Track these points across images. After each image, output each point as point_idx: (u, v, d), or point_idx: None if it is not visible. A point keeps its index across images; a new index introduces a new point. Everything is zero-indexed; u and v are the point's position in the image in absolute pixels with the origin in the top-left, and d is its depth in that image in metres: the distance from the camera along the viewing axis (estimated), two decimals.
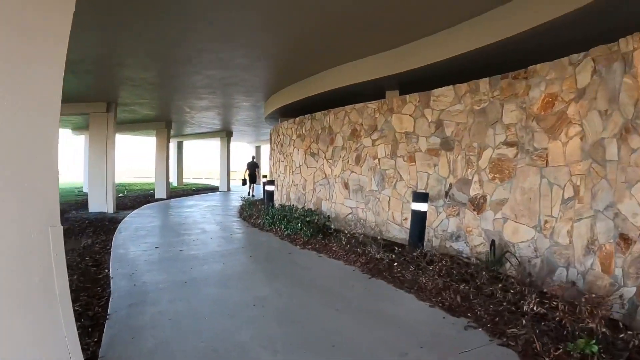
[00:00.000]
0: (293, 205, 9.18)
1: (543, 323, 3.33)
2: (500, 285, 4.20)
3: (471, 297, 4.03)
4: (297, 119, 9.87)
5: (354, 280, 4.85)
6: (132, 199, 14.66)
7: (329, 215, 7.92)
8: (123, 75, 8.37)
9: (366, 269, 5.24)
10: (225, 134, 20.38)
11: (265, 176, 16.10)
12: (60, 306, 2.30)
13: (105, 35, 5.95)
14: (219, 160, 21.66)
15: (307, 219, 7.38)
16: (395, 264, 5.24)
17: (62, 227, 2.34)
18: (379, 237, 6.66)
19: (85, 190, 16.26)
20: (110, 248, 6.49)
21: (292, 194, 10.11)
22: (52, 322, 2.24)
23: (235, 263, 5.60)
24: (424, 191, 6.11)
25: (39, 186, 2.16)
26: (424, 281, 4.56)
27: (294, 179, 10.00)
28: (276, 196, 10.96)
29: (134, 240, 7.06)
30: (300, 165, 9.65)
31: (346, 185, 7.95)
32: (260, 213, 9.17)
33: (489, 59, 5.61)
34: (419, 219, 5.74)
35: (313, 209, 8.48)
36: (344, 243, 6.27)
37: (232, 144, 21.74)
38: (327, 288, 4.55)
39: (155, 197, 15.88)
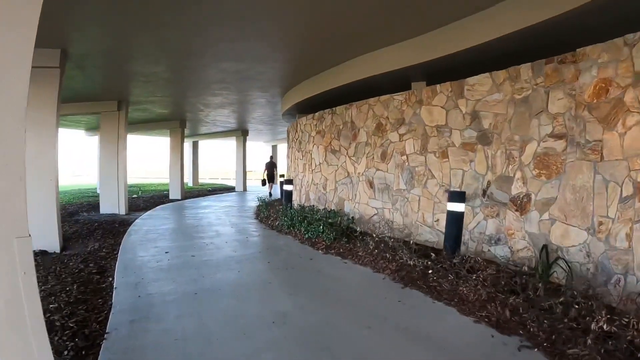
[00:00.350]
0: (313, 205, 8.67)
1: (610, 342, 2.85)
2: (557, 297, 3.64)
3: (521, 311, 3.52)
4: (317, 114, 9.36)
5: (386, 291, 4.32)
6: (145, 200, 14.43)
7: (352, 217, 7.37)
8: (132, 70, 7.99)
9: (398, 277, 4.73)
10: (241, 133, 20.14)
11: (282, 175, 15.80)
12: (32, 336, 1.85)
13: (113, 25, 5.54)
14: (234, 160, 21.40)
15: (330, 220, 6.85)
16: (430, 271, 4.72)
17: (30, 237, 1.85)
18: (408, 241, 6.09)
19: (98, 191, 16.02)
20: (117, 253, 6.08)
21: (311, 193, 9.60)
22: (22, 357, 1.78)
23: (252, 271, 5.10)
24: (460, 190, 5.57)
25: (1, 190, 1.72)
26: (465, 292, 4.08)
27: (313, 177, 9.49)
28: (294, 196, 10.47)
29: (144, 244, 6.64)
30: (320, 163, 9.14)
31: (371, 184, 7.40)
32: (278, 214, 8.69)
33: (528, 43, 5.08)
34: (456, 220, 5.21)
35: (335, 210, 7.95)
36: (371, 248, 5.72)
37: (248, 144, 21.49)
38: (355, 301, 4.03)
39: (170, 197, 15.67)
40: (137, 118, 14.96)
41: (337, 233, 6.48)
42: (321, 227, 6.65)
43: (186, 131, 18.45)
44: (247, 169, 21.59)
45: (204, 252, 6.11)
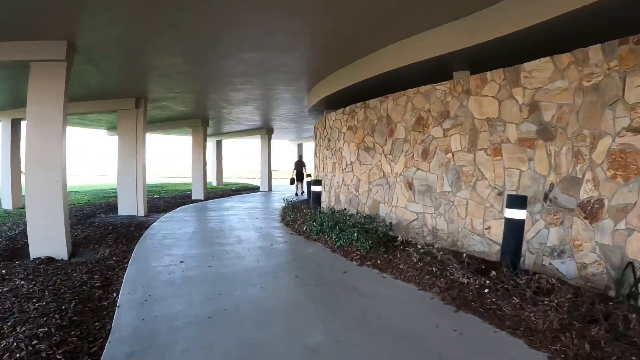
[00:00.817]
0: (345, 209, 7.95)
1: None
2: None
3: (603, 345, 2.87)
4: (347, 108, 8.65)
5: (436, 316, 3.60)
6: (166, 200, 14.05)
7: (390, 223, 6.62)
8: (147, 63, 7.47)
9: (448, 298, 4.00)
10: (266, 131, 19.67)
11: (309, 175, 15.30)
12: None
13: (121, 12, 4.97)
14: (259, 159, 20.98)
15: (366, 226, 6.12)
16: (487, 290, 3.97)
17: None
18: (458, 251, 5.32)
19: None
20: (128, 261, 5.54)
21: (342, 195, 8.88)
22: None
23: (277, 287, 4.42)
24: (518, 193, 4.82)
25: None
26: (532, 318, 3.36)
27: (344, 178, 8.78)
28: (323, 197, 9.78)
29: (158, 252, 6.07)
30: (352, 162, 8.42)
31: (410, 186, 6.64)
32: (306, 218, 8.02)
33: (592, 23, 4.32)
34: (515, 230, 4.45)
35: (370, 215, 7.20)
36: (414, 260, 4.96)
37: (273, 142, 21.05)
38: (402, 329, 3.31)
39: (192, 198, 15.25)
40: (158, 116, 14.61)
41: (373, 241, 5.76)
42: (355, 234, 5.94)
43: (209, 130, 18.28)
44: (273, 168, 21.11)
45: (223, 261, 5.48)
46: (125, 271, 5.04)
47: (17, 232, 7.45)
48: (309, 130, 20.60)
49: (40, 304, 3.85)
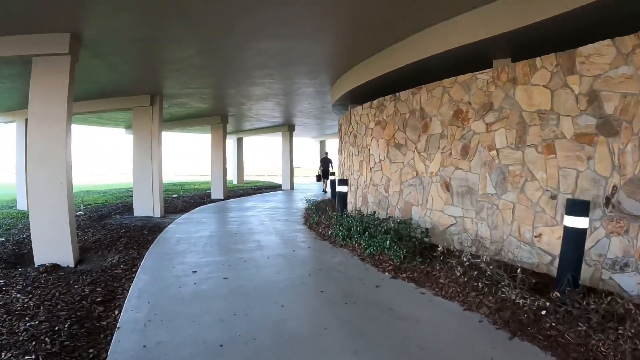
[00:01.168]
0: (374, 212, 7.34)
1: None
2: None
3: None
4: (375, 102, 8.04)
5: (489, 345, 3.04)
6: (185, 200, 13.75)
7: (427, 229, 5.99)
8: (159, 55, 7.05)
9: (500, 321, 3.41)
10: (287, 128, 19.32)
11: (332, 173, 15.08)
12: None
13: None
14: (280, 157, 20.60)
15: (401, 232, 5.55)
16: (544, 312, 3.38)
17: None
18: (510, 264, 4.68)
19: None
20: (136, 270, 5.10)
21: (370, 196, 8.28)
22: None
23: (300, 306, 3.87)
24: (578, 198, 4.18)
25: None
26: (602, 349, 2.83)
27: (372, 177, 8.17)
28: (349, 198, 9.20)
29: (170, 259, 5.62)
30: (381, 160, 7.81)
31: (447, 187, 6.00)
32: (332, 221, 7.46)
33: None
34: (576, 240, 3.84)
35: (403, 220, 6.58)
36: (457, 274, 4.34)
37: (295, 139, 20.66)
38: None
39: (212, 197, 14.95)
40: (176, 114, 14.37)
41: (408, 250, 5.15)
42: (388, 241, 5.34)
43: (229, 127, 18.03)
44: (295, 166, 20.72)
45: (239, 272, 4.98)
46: (132, 282, 4.59)
47: (25, 235, 7.13)
48: (331, 127, 20.16)
49: (32, 323, 3.42)
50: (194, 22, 5.43)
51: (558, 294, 3.59)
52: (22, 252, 6.11)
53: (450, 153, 5.96)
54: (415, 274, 4.76)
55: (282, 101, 12.56)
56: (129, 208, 10.83)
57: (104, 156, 48.37)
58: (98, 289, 4.34)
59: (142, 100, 10.07)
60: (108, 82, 8.76)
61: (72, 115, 5.73)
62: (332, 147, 27.78)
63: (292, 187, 19.66)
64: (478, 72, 5.54)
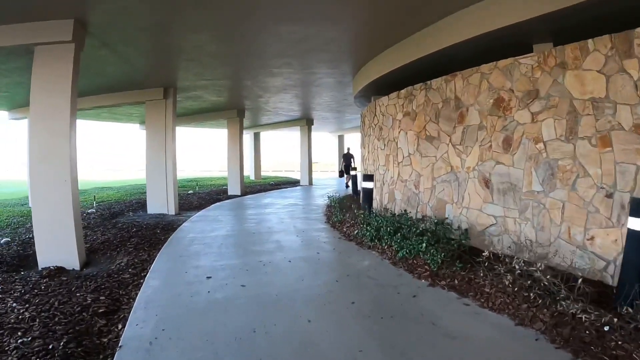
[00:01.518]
0: (406, 210, 6.79)
1: None
2: None
3: None
4: (404, 91, 7.47)
5: None
6: (201, 196, 13.43)
7: (466, 230, 5.43)
8: (171, 44, 6.65)
9: (559, 338, 2.97)
10: (306, 122, 18.96)
11: (354, 168, 14.94)
12: None
13: None
14: (298, 152, 20.33)
15: (438, 234, 5.05)
16: (607, 328, 2.94)
17: None
18: (556, 268, 4.12)
19: None
20: (145, 275, 4.67)
21: (397, 193, 7.73)
22: None
23: (330, 321, 3.36)
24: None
25: None
26: None
27: (400, 172, 7.62)
28: (374, 195, 8.67)
29: (183, 263, 5.18)
30: (410, 154, 7.25)
31: (487, 183, 5.43)
32: (357, 220, 6.98)
33: None
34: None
35: (437, 219, 6.06)
36: (506, 283, 3.80)
37: (313, 134, 20.23)
38: None
39: (228, 193, 14.68)
40: (191, 108, 14.10)
41: (446, 253, 4.62)
42: (424, 244, 4.81)
43: (246, 122, 17.88)
44: (313, 161, 20.40)
45: (259, 277, 4.50)
46: (139, 289, 4.16)
47: (32, 235, 6.79)
48: (350, 121, 19.74)
49: (25, 339, 3.01)
50: (210, 5, 5.00)
51: (630, 309, 3.05)
52: (27, 253, 5.75)
53: (490, 146, 5.38)
54: (455, 281, 4.24)
55: (301, 93, 12.22)
56: (142, 205, 10.54)
57: (120, 152, 48.70)
58: (102, 298, 3.92)
59: (155, 93, 9.77)
60: (119, 75, 8.48)
61: (77, 109, 5.37)
62: (351, 141, 27.44)
63: (310, 183, 19.38)
64: (521, 57, 4.98)
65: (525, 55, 4.96)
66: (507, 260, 4.25)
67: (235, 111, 14.84)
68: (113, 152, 49.37)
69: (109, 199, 12.38)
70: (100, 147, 46.83)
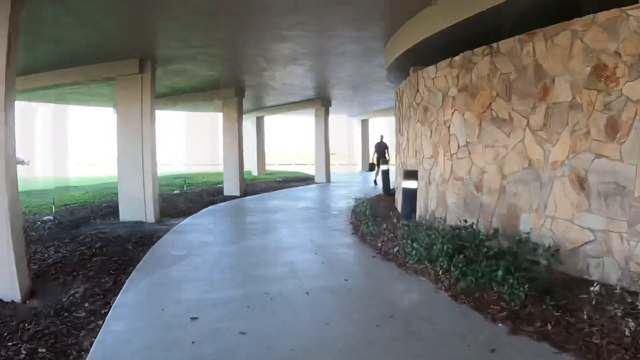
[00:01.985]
0: (465, 221, 6.28)
1: None
2: None
3: None
4: (458, 58, 7.04)
5: None
6: (189, 198, 13.45)
7: (556, 250, 4.88)
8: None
9: None
10: (321, 103, 18.77)
11: (387, 161, 15.23)
12: None
13: None
14: (313, 140, 20.22)
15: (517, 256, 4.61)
16: None
17: None
18: None
19: None
20: (106, 313, 4.17)
21: (450, 194, 7.30)
22: None
23: None
24: None
25: None
26: None
27: (454, 167, 7.20)
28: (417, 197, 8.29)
29: (160, 294, 4.76)
30: (468, 143, 6.80)
31: (582, 183, 4.94)
32: (396, 232, 6.71)
33: None
34: None
35: (501, 229, 5.62)
36: (625, 331, 3.31)
37: (330, 118, 20.21)
38: None
39: (224, 194, 14.66)
40: (175, 86, 14.27)
41: (530, 286, 4.11)
42: (500, 271, 4.25)
43: (246, 103, 17.80)
44: (331, 152, 20.59)
45: (264, 320, 3.96)
46: (96, 336, 3.64)
47: None
48: (377, 102, 19.87)
49: None
50: None
51: None
52: None
53: (587, 132, 4.91)
54: (548, 326, 3.68)
55: (317, 65, 12.20)
56: (114, 210, 10.34)
57: (95, 143, 49.15)
58: (41, 350, 3.39)
59: (128, 66, 9.59)
60: (80, 42, 8.41)
61: (15, 81, 4.82)
62: (377, 127, 27.32)
63: (328, 180, 19.28)
64: (629, 7, 4.49)
65: (636, 5, 4.46)
66: (625, 295, 3.73)
67: (233, 89, 14.79)
68: (86, 143, 49.90)
69: (73, 202, 12.31)
70: (70, 137, 47.41)
